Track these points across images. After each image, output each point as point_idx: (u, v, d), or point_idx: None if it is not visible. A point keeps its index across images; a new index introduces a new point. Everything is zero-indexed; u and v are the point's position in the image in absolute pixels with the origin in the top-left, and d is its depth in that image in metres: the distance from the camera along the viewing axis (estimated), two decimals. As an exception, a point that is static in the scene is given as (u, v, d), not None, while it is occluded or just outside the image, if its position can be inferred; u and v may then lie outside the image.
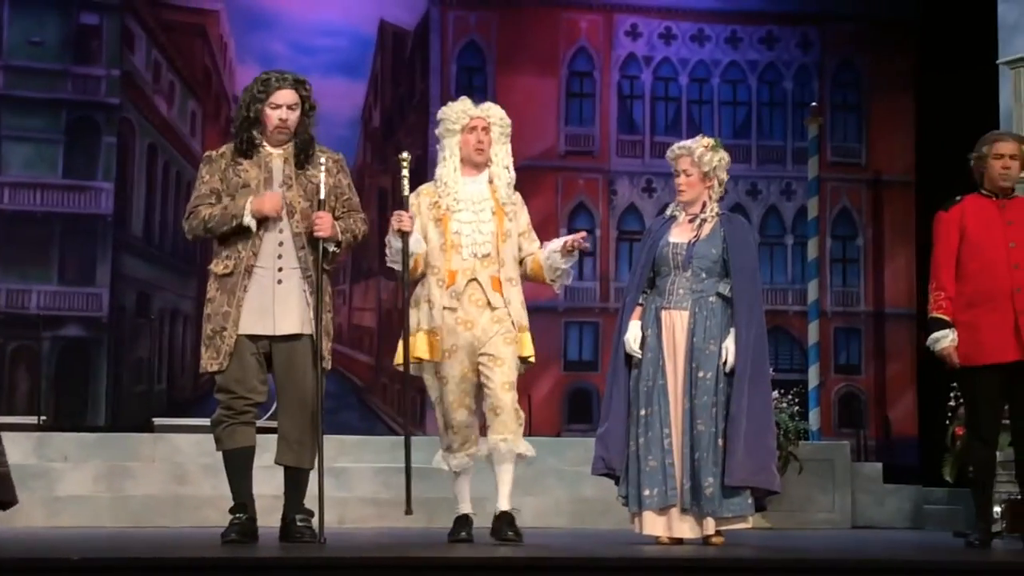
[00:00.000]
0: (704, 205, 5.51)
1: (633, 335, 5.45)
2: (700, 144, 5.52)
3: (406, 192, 5.40)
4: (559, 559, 4.43)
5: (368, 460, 8.19)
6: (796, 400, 8.46)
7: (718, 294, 5.43)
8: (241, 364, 5.09)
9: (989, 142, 5.80)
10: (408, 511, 5.22)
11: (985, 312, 5.60)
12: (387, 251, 5.42)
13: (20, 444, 7.71)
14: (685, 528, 5.38)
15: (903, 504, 8.50)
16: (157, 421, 8.69)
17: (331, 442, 8.46)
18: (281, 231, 5.15)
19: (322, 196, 5.15)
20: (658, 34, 11.84)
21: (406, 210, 5.35)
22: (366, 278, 11.40)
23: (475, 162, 5.43)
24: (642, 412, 5.40)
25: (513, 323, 5.35)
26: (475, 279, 5.36)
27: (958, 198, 5.86)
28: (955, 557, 4.92)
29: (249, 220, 5.10)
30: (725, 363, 5.35)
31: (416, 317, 5.38)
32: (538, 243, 5.53)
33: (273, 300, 5.11)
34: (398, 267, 5.37)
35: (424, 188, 5.49)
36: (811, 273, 10.54)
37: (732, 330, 5.39)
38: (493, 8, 11.61)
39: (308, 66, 11.58)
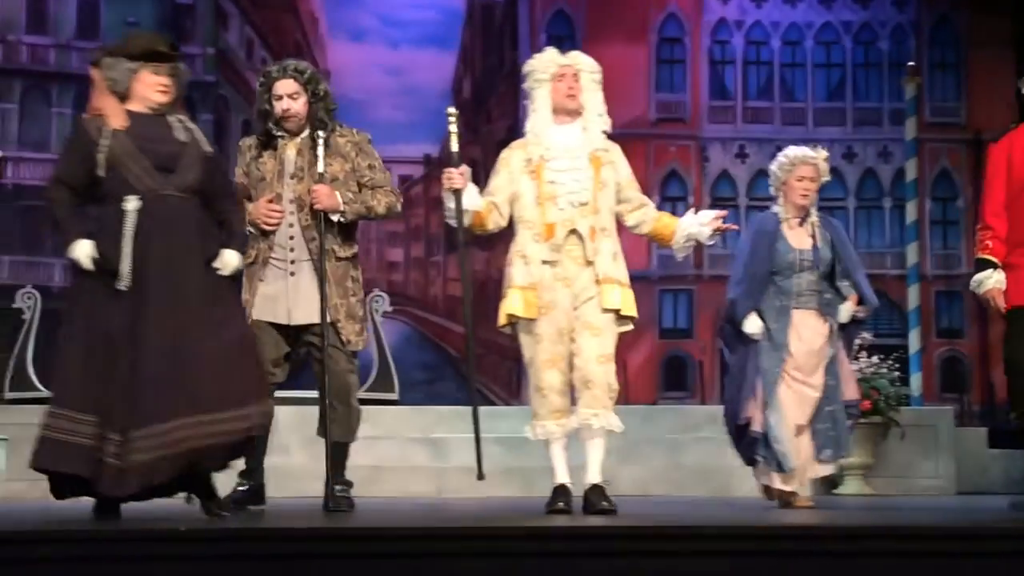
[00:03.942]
0: (810, 210, 6.12)
1: (758, 325, 6.01)
2: (821, 156, 6.13)
3: (455, 148, 5.32)
4: (657, 527, 4.42)
5: (465, 430, 8.21)
6: (897, 365, 8.35)
7: (834, 290, 6.08)
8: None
9: None
10: (480, 476, 5.33)
11: None
12: (444, 209, 5.37)
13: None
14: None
15: (1009, 470, 8.36)
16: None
17: (428, 413, 8.55)
18: (291, 225, 5.33)
19: (320, 169, 5.27)
20: (749, -3, 11.71)
21: (456, 167, 5.26)
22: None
23: (567, 109, 5.29)
24: (766, 391, 5.98)
25: (599, 278, 5.20)
26: (575, 230, 5.20)
27: (1012, 125, 5.52)
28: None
29: (247, 229, 5.30)
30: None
31: (509, 274, 5.28)
32: (644, 197, 5.42)
33: (287, 292, 5.31)
34: (455, 224, 5.30)
35: (516, 143, 5.39)
36: (910, 236, 10.35)
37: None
38: (582, -25, 11.56)
39: (398, 39, 11.64)
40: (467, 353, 5.44)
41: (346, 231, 5.40)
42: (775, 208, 6.15)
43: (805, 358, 5.99)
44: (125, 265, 4.65)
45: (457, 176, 5.24)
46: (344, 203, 5.32)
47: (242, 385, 4.71)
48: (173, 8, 11.10)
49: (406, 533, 4.06)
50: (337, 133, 5.42)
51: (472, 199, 5.27)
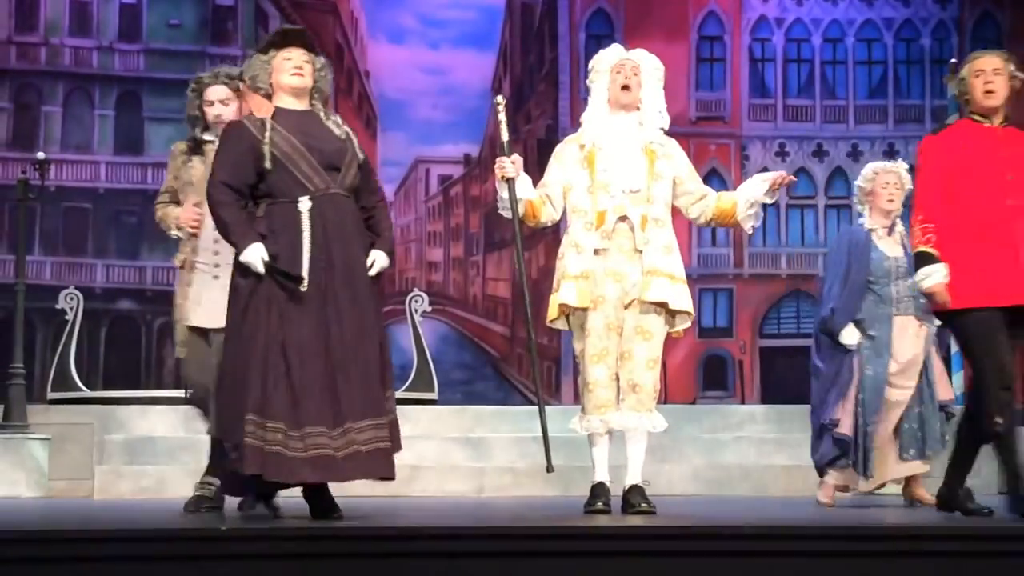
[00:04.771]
0: (895, 219, 6.40)
1: (856, 336, 6.25)
2: (902, 167, 6.43)
3: (505, 138, 5.25)
4: (696, 527, 4.41)
5: (505, 430, 8.26)
6: (938, 364, 8.28)
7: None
8: (196, 353, 5.31)
9: (968, 62, 5.23)
10: (549, 469, 5.18)
11: (984, 249, 5.04)
12: (497, 200, 5.32)
13: (167, 417, 7.96)
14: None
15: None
16: (298, 393, 8.85)
17: (467, 413, 8.56)
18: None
19: None
20: (790, -6, 11.66)
21: (507, 156, 5.19)
22: (499, 249, 11.48)
23: (622, 102, 5.24)
24: (864, 396, 6.24)
25: (645, 270, 5.14)
26: (625, 217, 5.14)
27: (950, 121, 5.43)
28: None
29: (174, 232, 5.43)
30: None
31: (562, 266, 5.23)
32: (707, 188, 5.36)
33: (212, 295, 5.25)
34: (508, 215, 5.26)
35: (570, 136, 5.37)
36: (952, 234, 10.29)
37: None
38: (621, -26, 11.54)
39: (438, 39, 11.67)
40: (528, 348, 5.34)
41: None
42: (861, 220, 6.46)
43: (906, 363, 6.24)
44: (306, 266, 4.55)
45: (509, 165, 5.19)
46: None
47: (386, 394, 4.69)
48: (214, 10, 11.18)
49: (445, 533, 4.08)
50: None
51: (525, 188, 5.24)
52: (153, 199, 5.72)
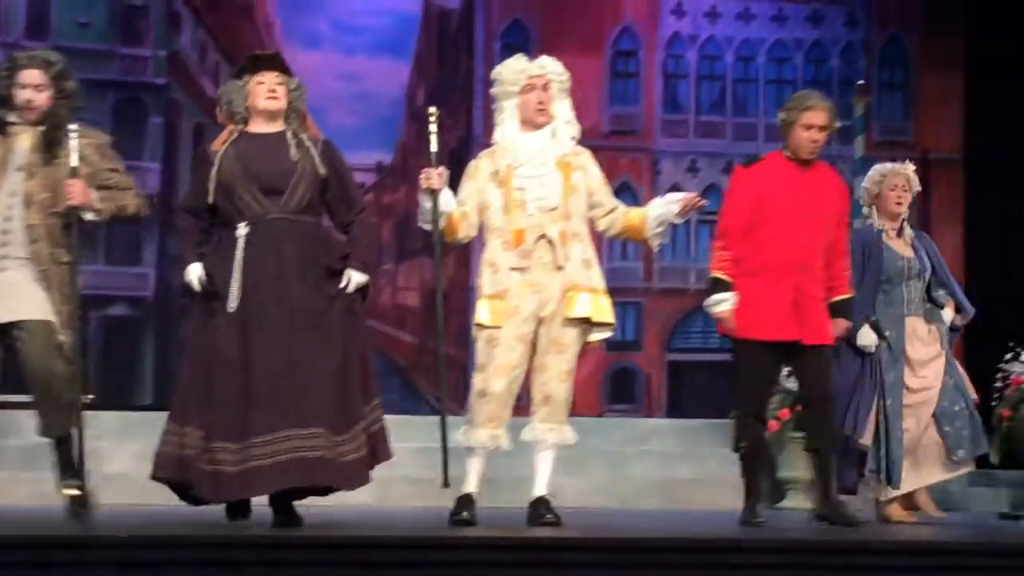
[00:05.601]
0: (904, 222, 6.35)
1: (872, 338, 6.14)
2: (910, 168, 6.40)
3: (434, 148, 5.24)
4: (601, 539, 4.43)
5: (409, 439, 8.21)
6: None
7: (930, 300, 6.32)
8: None
9: (800, 108, 5.47)
10: (445, 484, 5.18)
11: (768, 284, 5.33)
12: (419, 212, 5.29)
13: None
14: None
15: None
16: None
17: (374, 421, 8.51)
18: (9, 219, 5.07)
19: (73, 163, 5.03)
20: (704, 12, 11.75)
21: (434, 167, 5.19)
22: (410, 258, 11.43)
23: (536, 122, 5.24)
24: (887, 401, 6.11)
25: (566, 286, 5.13)
26: (544, 235, 5.13)
27: (761, 155, 5.64)
28: (997, 539, 4.88)
29: None
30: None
31: (478, 285, 5.22)
32: (617, 201, 5.37)
33: None
34: (429, 227, 5.21)
35: (483, 152, 5.35)
36: (858, 253, 10.43)
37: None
38: (538, -14, 11.58)
39: (353, 45, 11.60)
40: (437, 360, 5.38)
41: (69, 235, 5.11)
42: (868, 221, 6.38)
43: (921, 365, 6.17)
44: (234, 288, 4.74)
45: (435, 176, 5.17)
46: (98, 201, 5.11)
47: (355, 407, 4.83)
48: (125, 9, 11.01)
49: (342, 542, 4.05)
50: (80, 132, 5.15)
51: (448, 202, 5.21)
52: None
